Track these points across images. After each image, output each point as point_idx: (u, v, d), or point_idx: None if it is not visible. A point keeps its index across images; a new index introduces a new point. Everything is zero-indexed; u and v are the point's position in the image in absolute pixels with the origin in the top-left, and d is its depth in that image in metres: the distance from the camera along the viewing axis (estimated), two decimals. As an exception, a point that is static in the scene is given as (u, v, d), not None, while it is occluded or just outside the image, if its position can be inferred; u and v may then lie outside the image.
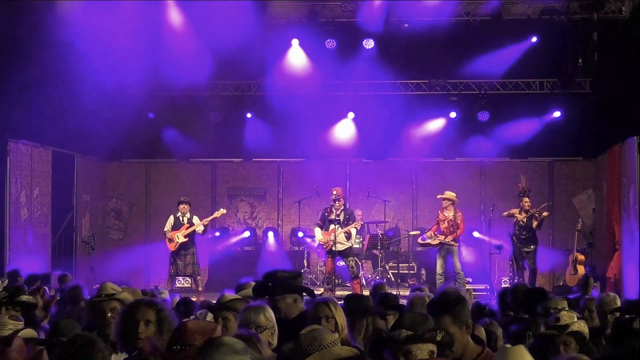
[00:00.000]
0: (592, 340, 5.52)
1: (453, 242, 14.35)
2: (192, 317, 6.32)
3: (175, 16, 15.52)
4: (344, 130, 17.81)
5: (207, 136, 17.59)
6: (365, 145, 17.75)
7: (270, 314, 4.83)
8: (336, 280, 14.98)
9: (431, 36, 15.56)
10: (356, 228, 14.15)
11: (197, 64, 15.55)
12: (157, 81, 15.78)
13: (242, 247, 17.64)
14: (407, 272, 16.66)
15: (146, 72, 15.13)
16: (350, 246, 14.13)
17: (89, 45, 13.57)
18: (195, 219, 14.74)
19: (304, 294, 5.55)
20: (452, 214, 14.44)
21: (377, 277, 15.93)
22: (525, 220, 14.63)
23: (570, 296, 7.67)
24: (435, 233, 14.52)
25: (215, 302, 5.75)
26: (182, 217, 14.76)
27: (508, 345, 3.88)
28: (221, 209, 15.31)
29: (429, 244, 14.66)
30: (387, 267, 16.43)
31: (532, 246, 14.69)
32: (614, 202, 14.89)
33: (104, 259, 16.69)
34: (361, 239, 16.22)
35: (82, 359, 4.01)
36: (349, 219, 14.04)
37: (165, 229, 14.80)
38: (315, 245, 14.99)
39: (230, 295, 5.30)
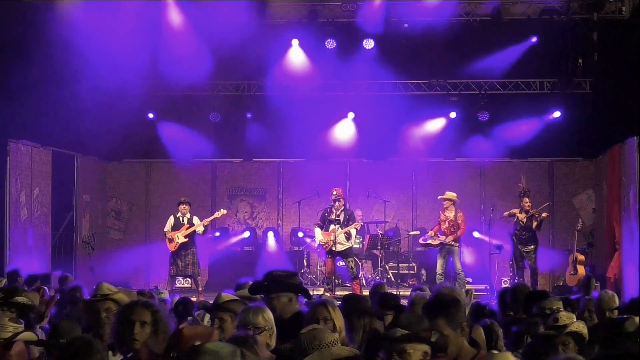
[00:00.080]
0: (591, 340, 5.50)
1: (453, 242, 14.35)
2: (190, 317, 6.31)
3: (175, 16, 15.50)
4: (344, 130, 17.80)
5: (207, 136, 17.60)
6: (365, 145, 17.75)
7: (269, 315, 4.82)
8: (336, 281, 14.97)
9: (431, 36, 15.52)
10: (356, 228, 14.14)
11: (197, 64, 15.54)
12: (157, 81, 15.80)
13: (242, 247, 17.63)
14: (407, 272, 16.66)
15: (146, 72, 15.16)
16: (350, 246, 14.13)
17: (89, 45, 13.58)
18: (196, 219, 14.74)
19: (299, 294, 5.55)
20: (453, 214, 14.44)
21: (377, 277, 15.92)
22: (525, 220, 14.64)
23: (572, 297, 7.64)
24: (437, 233, 14.54)
25: (212, 302, 5.74)
26: (182, 218, 14.75)
27: (495, 352, 3.88)
28: (221, 210, 15.32)
29: (430, 245, 14.68)
30: (387, 267, 16.42)
31: (532, 246, 14.69)
32: (614, 202, 14.88)
33: (104, 259, 16.68)
34: (361, 239, 16.22)
35: None
36: (349, 220, 14.03)
37: (165, 229, 14.79)
38: (315, 245, 14.99)
39: (227, 295, 5.29)
